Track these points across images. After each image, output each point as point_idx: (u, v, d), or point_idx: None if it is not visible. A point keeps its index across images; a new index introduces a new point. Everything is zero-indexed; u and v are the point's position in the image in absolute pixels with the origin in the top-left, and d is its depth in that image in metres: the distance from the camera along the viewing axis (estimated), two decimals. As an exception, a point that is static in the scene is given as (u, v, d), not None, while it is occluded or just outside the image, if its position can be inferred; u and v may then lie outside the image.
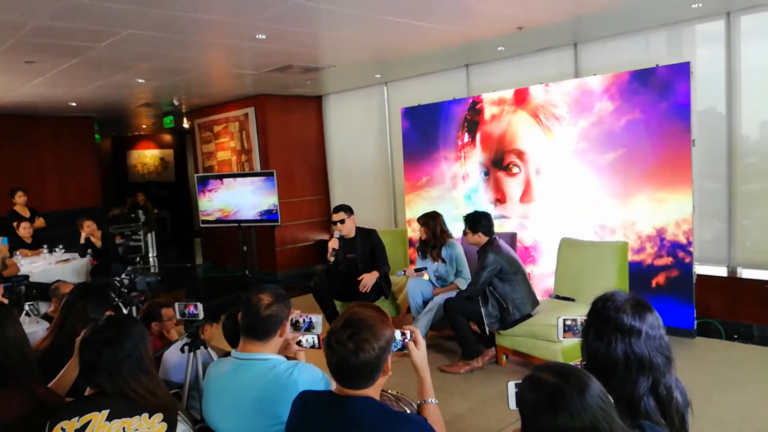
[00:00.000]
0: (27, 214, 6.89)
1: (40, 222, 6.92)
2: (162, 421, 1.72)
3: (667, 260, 4.69)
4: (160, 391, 1.80)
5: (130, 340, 1.81)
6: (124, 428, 1.69)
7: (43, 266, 5.94)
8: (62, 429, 1.68)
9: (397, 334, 1.81)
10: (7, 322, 2.04)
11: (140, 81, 6.59)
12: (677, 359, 1.64)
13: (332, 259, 4.88)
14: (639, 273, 4.72)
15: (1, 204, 7.35)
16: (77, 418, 1.69)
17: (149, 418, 1.72)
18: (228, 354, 2.19)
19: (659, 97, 4.63)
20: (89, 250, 6.46)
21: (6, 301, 3.60)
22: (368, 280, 4.70)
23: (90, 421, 1.69)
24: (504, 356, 4.35)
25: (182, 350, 2.72)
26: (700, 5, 4.57)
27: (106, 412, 1.70)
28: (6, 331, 2.01)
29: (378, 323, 1.61)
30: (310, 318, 2.26)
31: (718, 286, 4.95)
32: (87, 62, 5.39)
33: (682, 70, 4.50)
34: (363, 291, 4.66)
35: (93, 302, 2.63)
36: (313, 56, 5.88)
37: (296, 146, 8.55)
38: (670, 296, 4.65)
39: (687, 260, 4.59)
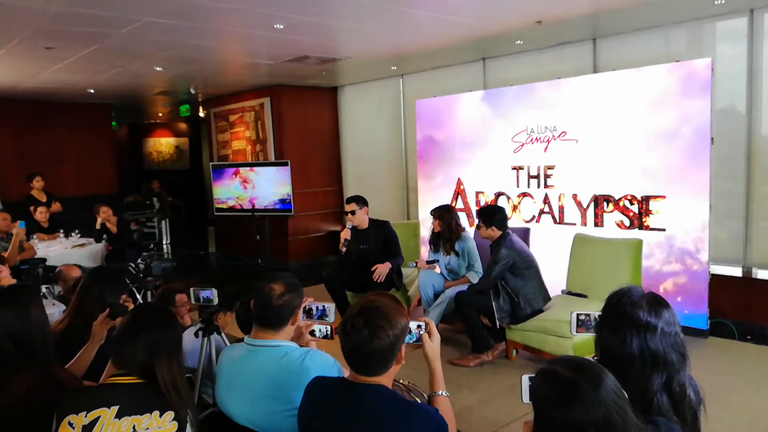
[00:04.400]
0: (44, 199, 6.98)
1: (56, 207, 7.00)
2: (173, 420, 1.70)
3: (676, 266, 4.65)
4: (182, 388, 1.79)
5: (176, 329, 1.87)
6: (134, 426, 1.66)
7: (59, 250, 6.02)
8: (70, 423, 1.65)
9: (412, 325, 1.82)
10: (32, 304, 2.07)
11: (158, 69, 6.63)
12: (690, 358, 1.63)
13: (344, 249, 4.89)
14: (648, 277, 4.68)
15: (19, 188, 7.45)
16: (85, 413, 1.65)
17: (160, 416, 1.69)
18: (241, 340, 2.22)
19: (679, 94, 4.57)
20: (104, 236, 6.53)
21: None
22: (382, 269, 4.72)
23: (99, 417, 1.65)
24: (514, 351, 4.35)
25: (196, 335, 2.74)
26: (723, 1, 4.50)
27: (115, 409, 1.67)
28: (30, 312, 2.04)
29: (393, 311, 1.62)
30: (323, 306, 2.27)
31: (733, 286, 4.90)
32: (106, 49, 5.43)
33: (704, 68, 4.43)
34: (376, 280, 4.67)
35: (109, 286, 2.66)
36: (330, 47, 5.88)
37: (311, 137, 8.57)
38: (680, 299, 4.61)
39: (695, 267, 4.54)
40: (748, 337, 4.68)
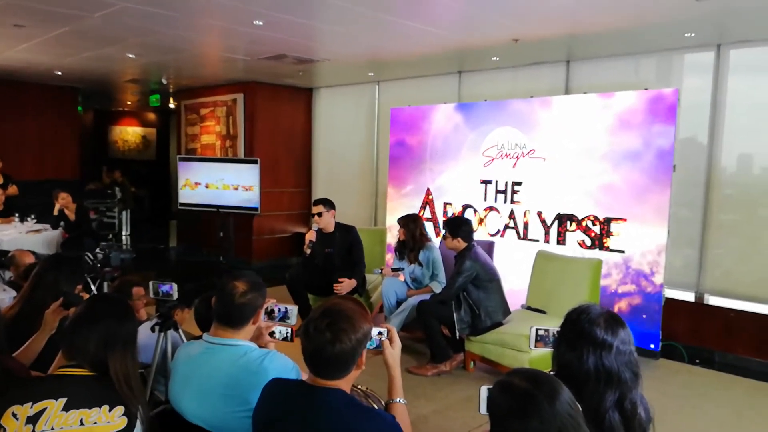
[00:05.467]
0: (0, 181, 6.74)
1: (13, 189, 6.78)
2: (123, 415, 1.66)
3: (631, 287, 4.77)
4: (135, 383, 1.75)
5: (132, 322, 1.83)
6: (81, 419, 1.61)
7: (13, 235, 5.82)
8: (13, 414, 1.60)
9: (374, 332, 1.82)
10: None
11: (130, 56, 6.49)
12: (642, 377, 1.67)
13: (308, 251, 4.87)
14: (605, 297, 4.79)
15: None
16: (30, 403, 1.61)
17: (109, 411, 1.65)
18: (199, 338, 2.18)
19: (646, 121, 4.70)
20: (62, 223, 6.35)
21: None
22: (345, 287, 4.70)
23: (45, 408, 1.61)
24: (472, 362, 4.39)
25: (153, 330, 2.68)
26: (693, 35, 4.67)
27: (63, 401, 1.62)
28: None
29: (357, 316, 1.62)
30: (286, 308, 2.25)
31: (685, 310, 5.06)
32: (78, 31, 5.29)
33: (671, 96, 4.58)
34: (337, 292, 4.66)
35: (65, 275, 2.59)
36: (308, 48, 5.86)
37: (282, 137, 8.50)
38: (634, 320, 4.72)
39: (649, 289, 4.66)
40: (697, 361, 4.82)
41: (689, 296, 5.10)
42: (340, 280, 4.70)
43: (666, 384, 4.25)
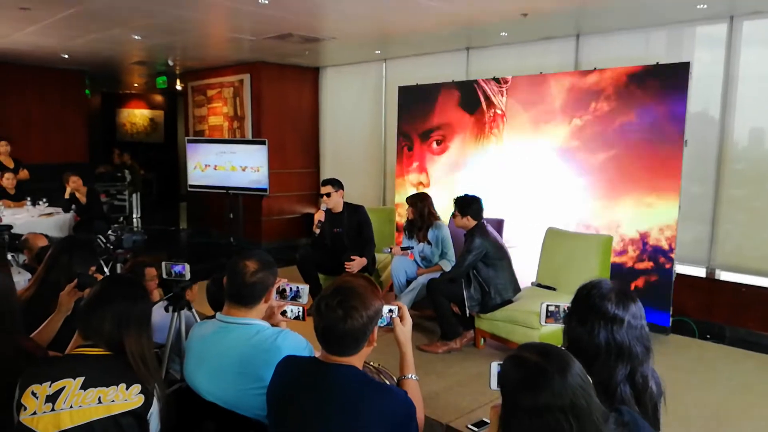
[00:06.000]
0: (11, 165, 6.78)
1: (24, 174, 6.82)
2: (139, 393, 1.69)
3: (648, 264, 4.75)
4: (150, 362, 1.78)
5: (146, 302, 1.86)
6: (99, 398, 1.64)
7: (25, 218, 5.87)
8: (33, 393, 1.63)
9: (385, 309, 1.83)
10: None
11: (136, 38, 6.46)
12: (653, 352, 1.68)
13: (317, 231, 4.88)
14: (620, 275, 4.77)
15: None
16: (49, 383, 1.64)
17: (126, 389, 1.68)
18: (212, 317, 2.20)
19: (656, 96, 4.65)
20: (73, 206, 6.40)
21: None
22: (356, 265, 4.71)
23: (64, 387, 1.63)
24: (482, 339, 4.41)
25: (166, 310, 2.72)
26: (705, 6, 4.58)
27: (81, 380, 1.65)
28: None
29: (368, 293, 1.64)
30: (298, 287, 2.27)
31: (696, 286, 5.05)
32: (84, 13, 5.27)
33: (682, 71, 4.51)
34: (348, 270, 4.67)
35: (79, 257, 2.61)
36: (314, 26, 5.81)
37: (290, 117, 8.48)
38: (647, 299, 4.71)
39: (668, 266, 4.65)
40: (708, 336, 4.83)
41: (700, 272, 5.08)
42: (351, 257, 4.72)
43: (677, 359, 4.26)
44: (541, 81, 5.39)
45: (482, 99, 5.81)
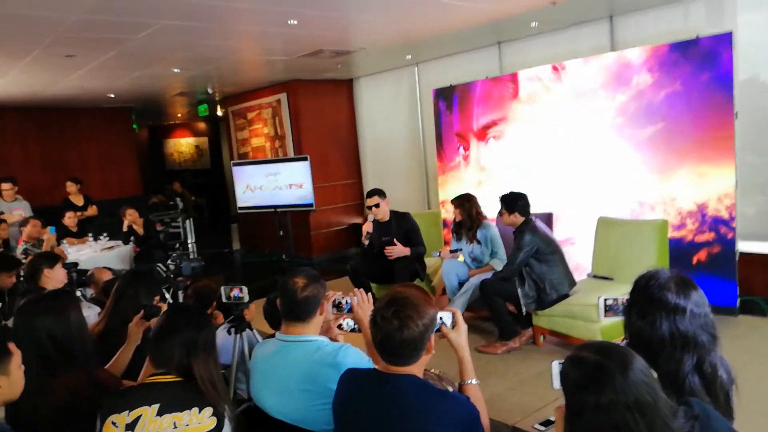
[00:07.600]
0: (81, 203, 7.12)
1: (92, 210, 7.16)
2: (212, 415, 1.74)
3: (709, 236, 4.58)
4: (219, 384, 1.85)
5: (210, 328, 1.94)
6: (174, 423, 1.71)
7: (89, 254, 6.15)
8: (113, 423, 1.70)
9: (439, 316, 1.84)
10: (71, 308, 2.14)
11: (175, 71, 6.71)
12: (720, 338, 1.62)
13: (366, 242, 4.92)
14: (679, 249, 4.63)
15: (48, 195, 7.63)
16: (127, 411, 1.71)
17: (199, 412, 1.73)
18: (272, 336, 2.26)
19: (700, 69, 4.49)
20: (132, 238, 6.67)
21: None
22: (397, 251, 4.74)
23: (141, 415, 1.71)
24: (541, 336, 4.35)
25: (229, 333, 2.80)
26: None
27: (156, 407, 1.72)
28: (70, 316, 2.10)
29: (421, 302, 1.65)
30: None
31: (762, 263, 4.82)
32: (124, 54, 5.52)
33: (724, 41, 4.34)
34: (389, 257, 4.71)
35: (143, 288, 2.72)
36: (343, 39, 5.89)
37: (328, 130, 8.60)
38: (711, 273, 4.55)
39: (729, 236, 4.48)
40: (780, 314, 4.61)
41: (766, 247, 4.84)
42: (395, 242, 4.75)
43: (746, 340, 4.08)
44: (580, 65, 5.28)
45: (525, 91, 5.75)
